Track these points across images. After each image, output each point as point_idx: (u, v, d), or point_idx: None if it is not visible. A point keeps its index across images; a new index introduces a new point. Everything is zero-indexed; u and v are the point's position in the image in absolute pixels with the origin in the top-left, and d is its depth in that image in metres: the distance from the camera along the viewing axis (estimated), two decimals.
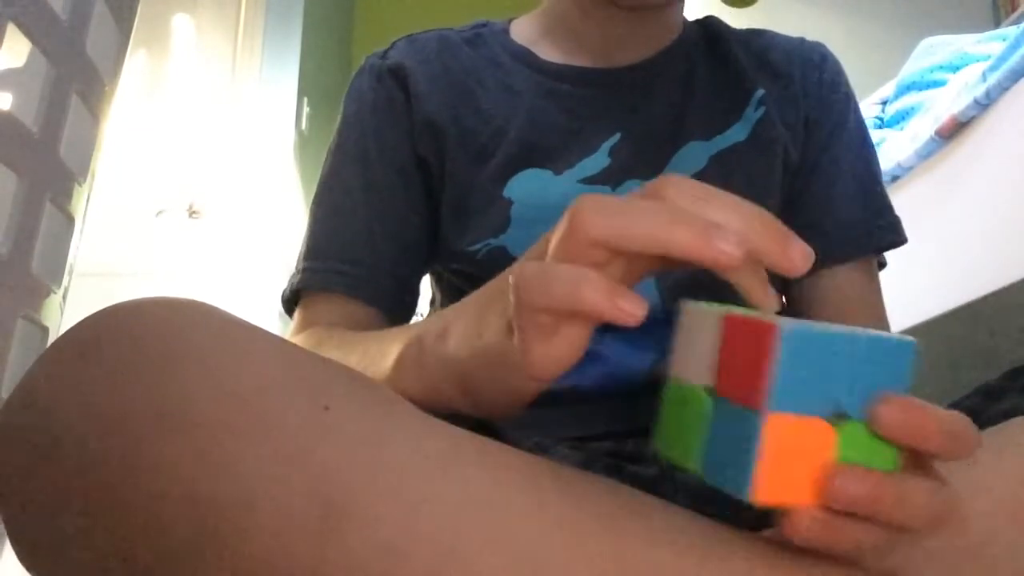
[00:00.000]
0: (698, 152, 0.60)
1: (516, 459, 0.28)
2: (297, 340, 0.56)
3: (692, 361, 0.27)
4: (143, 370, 0.28)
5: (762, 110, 0.62)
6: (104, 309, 0.31)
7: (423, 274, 0.65)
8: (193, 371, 0.27)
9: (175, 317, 0.30)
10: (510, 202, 0.58)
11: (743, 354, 0.25)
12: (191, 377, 0.27)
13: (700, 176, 0.59)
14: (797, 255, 0.26)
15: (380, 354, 0.43)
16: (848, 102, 0.66)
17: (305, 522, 0.25)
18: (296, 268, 0.62)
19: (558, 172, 0.59)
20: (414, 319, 0.64)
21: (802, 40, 0.68)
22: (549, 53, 0.64)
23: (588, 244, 0.27)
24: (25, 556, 0.29)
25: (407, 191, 0.61)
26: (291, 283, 0.62)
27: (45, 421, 0.28)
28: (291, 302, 0.63)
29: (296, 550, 0.25)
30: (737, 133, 0.61)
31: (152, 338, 0.29)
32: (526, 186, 0.59)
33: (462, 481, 0.26)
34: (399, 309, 0.61)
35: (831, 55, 0.67)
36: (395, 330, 0.47)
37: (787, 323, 0.24)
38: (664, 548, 0.26)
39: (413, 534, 0.25)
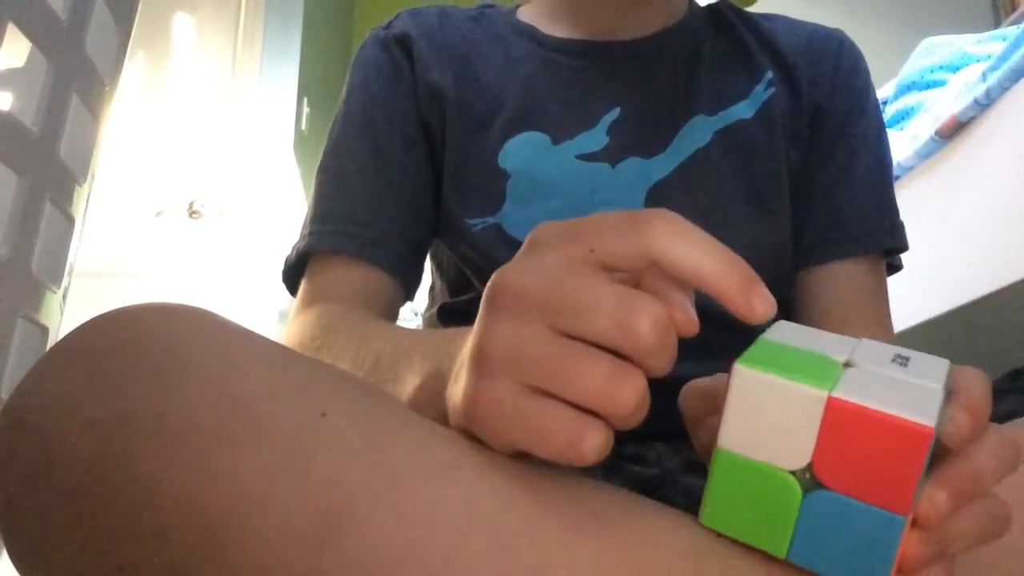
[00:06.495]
0: (703, 127, 0.59)
1: (516, 465, 0.28)
2: (305, 319, 0.54)
3: (763, 437, 0.25)
4: (140, 378, 0.27)
5: (772, 91, 0.61)
6: (100, 316, 0.30)
7: (431, 243, 0.63)
8: (190, 379, 0.27)
9: (172, 324, 0.30)
10: (507, 175, 0.58)
11: (868, 449, 0.23)
12: (188, 385, 0.27)
13: (704, 151, 0.58)
14: (759, 303, 0.25)
15: (394, 377, 0.40)
16: (867, 92, 0.64)
17: (304, 530, 0.25)
18: (301, 234, 0.60)
19: (556, 141, 0.58)
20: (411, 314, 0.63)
21: (815, 28, 0.66)
22: (552, 30, 0.64)
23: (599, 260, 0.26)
24: (21, 564, 0.28)
25: (414, 156, 0.61)
26: (296, 248, 0.60)
27: (42, 430, 0.27)
28: (295, 272, 0.61)
29: (295, 558, 0.24)
30: (743, 110, 0.60)
31: (149, 345, 0.28)
32: (522, 153, 0.58)
33: (461, 488, 0.26)
34: (411, 275, 0.60)
35: (848, 41, 0.65)
36: (410, 342, 0.42)
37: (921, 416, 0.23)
38: (666, 552, 0.26)
39: (412, 542, 0.25)
